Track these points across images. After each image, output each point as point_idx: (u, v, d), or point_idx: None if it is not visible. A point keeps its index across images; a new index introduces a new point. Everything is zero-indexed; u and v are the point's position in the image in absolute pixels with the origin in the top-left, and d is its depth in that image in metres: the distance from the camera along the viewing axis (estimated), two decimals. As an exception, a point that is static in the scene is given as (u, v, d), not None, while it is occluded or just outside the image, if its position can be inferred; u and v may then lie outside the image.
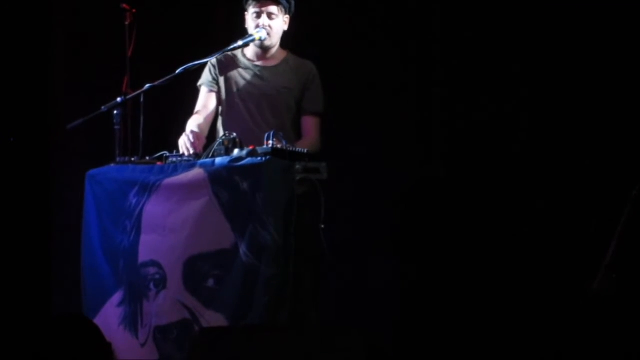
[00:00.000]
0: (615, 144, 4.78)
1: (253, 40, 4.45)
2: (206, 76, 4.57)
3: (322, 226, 4.08)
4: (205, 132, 4.50)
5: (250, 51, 4.54)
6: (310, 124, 4.50)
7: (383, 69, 5.25)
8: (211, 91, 4.57)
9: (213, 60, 4.55)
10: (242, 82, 4.52)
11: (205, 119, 4.54)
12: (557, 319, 4.44)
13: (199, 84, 4.61)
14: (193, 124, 4.50)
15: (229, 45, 4.44)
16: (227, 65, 4.56)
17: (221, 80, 4.55)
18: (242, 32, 4.47)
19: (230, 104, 4.53)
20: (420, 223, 5.19)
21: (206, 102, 4.58)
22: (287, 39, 4.60)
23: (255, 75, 4.51)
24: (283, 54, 4.56)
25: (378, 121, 5.20)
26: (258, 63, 4.53)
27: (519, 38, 4.99)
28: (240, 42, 4.45)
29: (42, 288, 5.55)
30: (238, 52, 4.56)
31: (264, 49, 4.51)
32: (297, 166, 4.00)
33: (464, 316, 5.02)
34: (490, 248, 4.99)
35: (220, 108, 4.59)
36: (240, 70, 4.54)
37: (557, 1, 4.90)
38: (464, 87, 5.11)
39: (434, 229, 5.14)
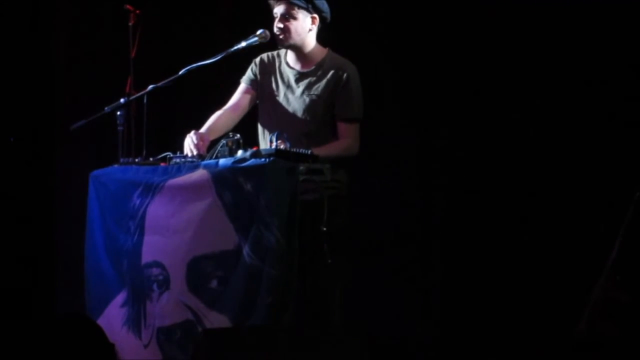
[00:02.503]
0: (618, 146, 4.78)
1: (256, 42, 4.43)
2: (247, 73, 4.56)
3: (324, 229, 4.08)
4: (227, 125, 4.45)
5: (289, 55, 4.51)
6: (342, 129, 4.40)
7: (384, 71, 5.27)
8: (246, 88, 4.56)
9: (257, 58, 4.55)
10: (274, 86, 4.50)
11: (231, 112, 4.52)
12: (565, 321, 4.43)
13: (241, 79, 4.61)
14: (214, 116, 4.49)
15: (233, 46, 4.43)
16: (268, 67, 4.53)
17: (260, 79, 4.54)
18: (246, 33, 4.45)
19: (263, 106, 4.53)
20: (435, 225, 5.20)
21: (238, 97, 4.56)
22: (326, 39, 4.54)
23: (288, 80, 4.48)
24: (321, 56, 4.48)
25: (384, 123, 5.22)
26: (294, 67, 4.49)
27: (521, 39, 5.00)
28: (243, 44, 4.43)
29: (45, 288, 5.56)
30: (282, 55, 4.53)
31: (292, 50, 4.47)
32: (301, 167, 3.99)
33: (475, 318, 5.03)
34: (496, 250, 5.00)
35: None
36: (277, 74, 4.51)
37: (558, 3, 4.91)
38: (467, 91, 5.13)
39: (448, 232, 5.16)
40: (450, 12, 5.14)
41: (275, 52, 4.55)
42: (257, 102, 4.55)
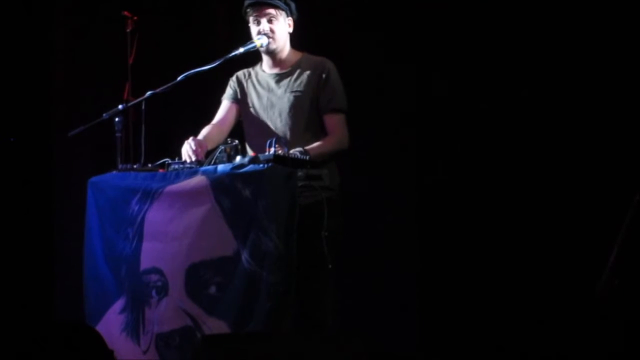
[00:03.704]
0: (618, 148, 4.78)
1: (254, 48, 4.44)
2: (227, 91, 4.60)
3: (326, 234, 4.09)
4: (217, 139, 4.45)
5: (264, 62, 4.54)
6: (331, 122, 4.43)
7: (383, 72, 5.27)
8: (229, 103, 4.58)
9: (233, 76, 4.58)
10: (255, 95, 4.51)
11: (218, 128, 4.53)
12: (563, 322, 4.45)
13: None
14: (204, 130, 4.50)
15: (230, 52, 4.44)
16: (246, 80, 4.56)
17: (240, 95, 4.55)
18: (244, 40, 4.46)
19: (247, 117, 4.54)
20: (432, 228, 5.20)
21: (222, 113, 4.59)
22: (298, 41, 4.56)
23: (267, 85, 4.50)
24: (296, 57, 4.51)
25: (382, 125, 5.23)
26: (272, 71, 4.51)
27: (521, 39, 5.00)
28: (241, 50, 4.44)
29: (44, 295, 5.56)
30: (257, 67, 4.56)
31: (272, 55, 4.49)
32: (299, 173, 4.00)
33: (472, 321, 5.03)
34: (496, 251, 5.00)
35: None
36: (255, 83, 4.53)
37: (558, 2, 4.92)
38: (466, 93, 5.13)
39: (446, 234, 5.16)
40: (446, 5, 5.15)
41: (248, 69, 4.58)
42: (241, 118, 4.56)
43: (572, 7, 4.87)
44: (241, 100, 4.56)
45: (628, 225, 3.94)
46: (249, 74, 4.57)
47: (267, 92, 4.49)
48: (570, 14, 4.88)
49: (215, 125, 4.55)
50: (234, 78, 4.59)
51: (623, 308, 3.94)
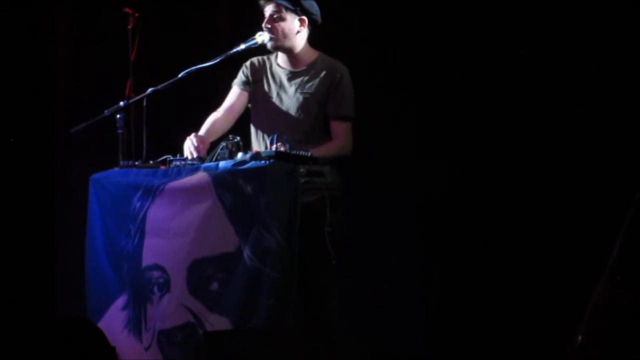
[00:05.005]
0: (618, 146, 4.78)
1: (255, 44, 4.43)
2: (239, 76, 4.56)
3: (329, 229, 4.09)
4: (223, 128, 4.47)
5: (279, 56, 4.52)
6: (336, 128, 4.40)
7: (387, 73, 5.27)
8: (239, 90, 4.55)
9: (247, 62, 4.55)
10: (267, 86, 4.50)
11: (226, 115, 4.52)
12: (564, 320, 4.44)
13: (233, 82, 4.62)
14: (210, 119, 4.50)
15: (232, 48, 4.43)
16: (259, 70, 4.53)
17: (252, 82, 4.54)
18: (245, 36, 4.46)
19: (256, 108, 4.53)
20: (437, 228, 5.20)
21: (231, 100, 4.56)
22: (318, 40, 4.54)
23: (280, 80, 4.48)
24: (312, 57, 4.48)
25: (386, 124, 5.23)
26: (286, 68, 4.49)
27: (520, 37, 4.99)
28: (242, 46, 4.42)
29: (46, 292, 5.56)
30: (272, 58, 4.53)
31: (282, 52, 4.48)
32: (301, 169, 4.00)
33: (474, 321, 5.03)
34: (499, 250, 5.00)
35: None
36: (269, 74, 4.51)
37: (558, 2, 4.92)
38: (467, 92, 5.13)
39: (450, 233, 5.15)
40: (446, 8, 5.14)
41: (264, 56, 4.55)
42: (249, 105, 4.55)
43: (573, 7, 4.86)
44: (252, 87, 4.53)
45: (629, 222, 3.94)
46: (264, 63, 4.53)
47: (278, 87, 4.48)
48: (571, 13, 4.87)
49: (222, 113, 4.53)
50: (247, 64, 4.56)
51: (625, 306, 3.94)
